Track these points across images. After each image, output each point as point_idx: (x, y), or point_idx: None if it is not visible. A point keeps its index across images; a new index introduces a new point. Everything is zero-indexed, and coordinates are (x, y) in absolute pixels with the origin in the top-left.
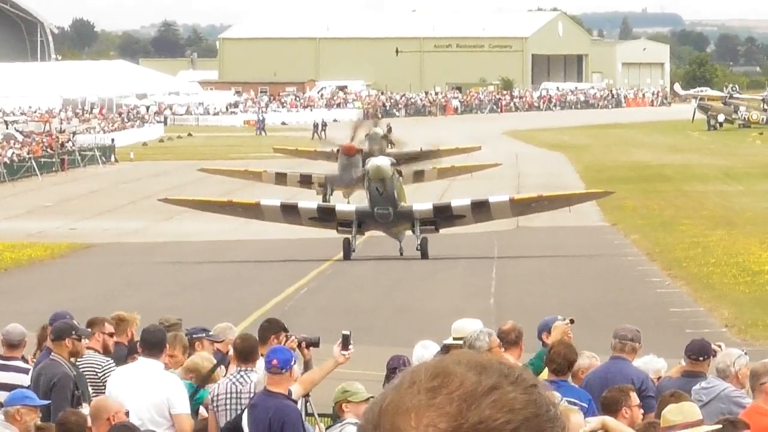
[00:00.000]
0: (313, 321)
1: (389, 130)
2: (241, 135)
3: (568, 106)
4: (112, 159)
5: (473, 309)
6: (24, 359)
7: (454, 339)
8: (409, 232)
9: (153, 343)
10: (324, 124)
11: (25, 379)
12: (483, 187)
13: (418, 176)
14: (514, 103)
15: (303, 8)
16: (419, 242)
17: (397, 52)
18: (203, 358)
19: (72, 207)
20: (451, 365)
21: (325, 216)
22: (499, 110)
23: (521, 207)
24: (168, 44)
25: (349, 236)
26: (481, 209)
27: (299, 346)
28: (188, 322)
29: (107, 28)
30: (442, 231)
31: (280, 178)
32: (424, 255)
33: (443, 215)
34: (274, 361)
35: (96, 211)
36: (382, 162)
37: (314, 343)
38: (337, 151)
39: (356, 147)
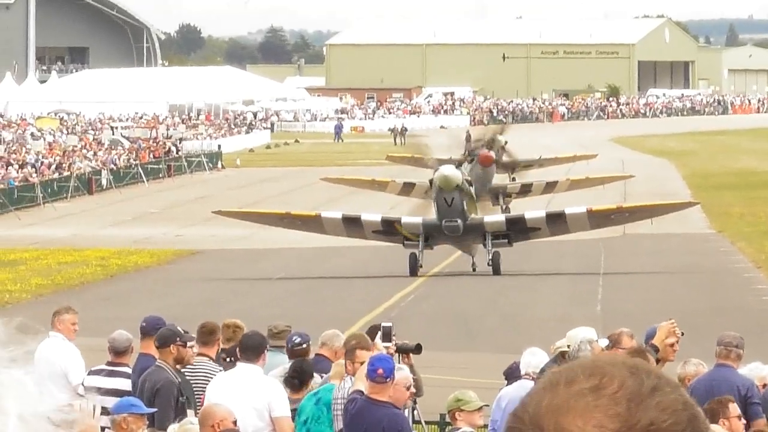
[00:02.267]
0: (421, 328)
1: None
2: (348, 141)
3: (674, 112)
4: (219, 165)
5: (579, 316)
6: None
7: (568, 346)
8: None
9: (252, 348)
10: (404, 129)
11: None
12: (588, 194)
13: (550, 187)
14: (620, 110)
15: (409, 14)
16: (491, 257)
17: (504, 58)
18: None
19: (178, 213)
20: (606, 365)
21: (390, 229)
22: (606, 117)
23: (600, 219)
24: (275, 50)
25: (416, 251)
26: (556, 221)
27: (398, 351)
28: (295, 329)
29: (214, 34)
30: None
31: (407, 189)
32: (496, 271)
33: (516, 228)
34: (380, 371)
35: (202, 217)
36: (450, 171)
37: (411, 349)
38: (471, 160)
39: (493, 156)
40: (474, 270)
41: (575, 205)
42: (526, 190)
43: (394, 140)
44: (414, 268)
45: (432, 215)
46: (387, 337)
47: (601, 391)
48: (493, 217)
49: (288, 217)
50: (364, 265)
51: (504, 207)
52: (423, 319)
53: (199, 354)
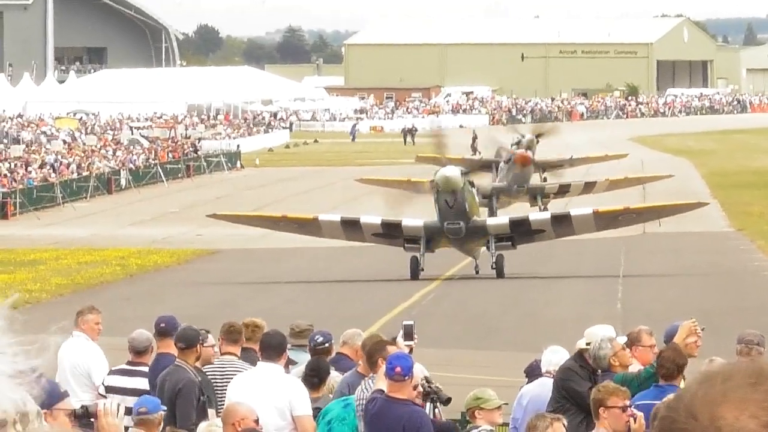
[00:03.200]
0: (440, 326)
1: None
2: (367, 141)
3: (693, 112)
4: (238, 165)
5: (600, 315)
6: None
7: (587, 344)
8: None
9: (273, 347)
10: (414, 130)
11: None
12: (607, 195)
13: (589, 187)
14: (640, 109)
15: (428, 14)
16: (494, 260)
17: (522, 57)
18: None
19: (197, 213)
20: (765, 367)
21: (391, 232)
22: (625, 116)
23: (606, 220)
24: (293, 50)
25: (417, 254)
26: (562, 223)
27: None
28: (316, 328)
29: (232, 34)
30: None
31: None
32: (500, 274)
33: (520, 230)
34: (398, 369)
35: None
36: (451, 172)
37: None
38: (508, 160)
39: (530, 156)
40: (477, 273)
41: (581, 206)
42: (564, 190)
43: (404, 140)
44: (415, 272)
45: (434, 217)
46: (408, 335)
47: (757, 386)
48: (496, 219)
49: (284, 220)
50: (368, 268)
51: (542, 207)
52: (442, 318)
53: (226, 353)
